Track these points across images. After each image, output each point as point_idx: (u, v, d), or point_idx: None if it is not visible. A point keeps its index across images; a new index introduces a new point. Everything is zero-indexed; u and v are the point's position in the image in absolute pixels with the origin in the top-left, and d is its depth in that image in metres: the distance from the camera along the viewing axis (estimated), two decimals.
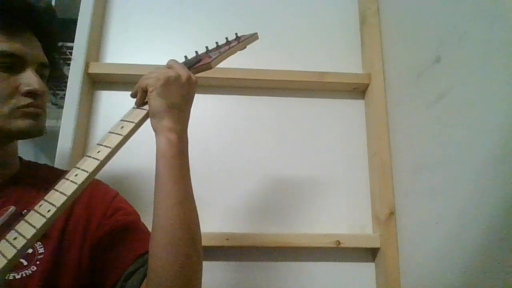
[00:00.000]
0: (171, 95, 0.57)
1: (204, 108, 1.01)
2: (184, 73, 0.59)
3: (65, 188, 0.49)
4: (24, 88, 0.58)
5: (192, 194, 0.58)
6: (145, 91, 0.59)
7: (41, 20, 0.64)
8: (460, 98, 0.71)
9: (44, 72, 0.64)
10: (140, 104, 0.60)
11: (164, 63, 0.95)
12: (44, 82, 0.64)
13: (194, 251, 0.54)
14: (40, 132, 0.62)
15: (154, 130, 0.58)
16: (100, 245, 0.63)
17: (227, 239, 0.89)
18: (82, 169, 0.51)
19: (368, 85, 1.02)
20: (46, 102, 0.64)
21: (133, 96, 0.62)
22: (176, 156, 0.56)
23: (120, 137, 0.55)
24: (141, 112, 0.59)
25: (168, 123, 0.57)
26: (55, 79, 0.74)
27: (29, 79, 0.59)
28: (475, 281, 0.64)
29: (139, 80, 0.60)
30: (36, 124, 0.60)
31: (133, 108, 0.61)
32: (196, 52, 0.68)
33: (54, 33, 0.68)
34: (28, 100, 0.59)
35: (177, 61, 0.63)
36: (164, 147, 0.56)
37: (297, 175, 0.99)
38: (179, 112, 0.59)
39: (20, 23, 0.60)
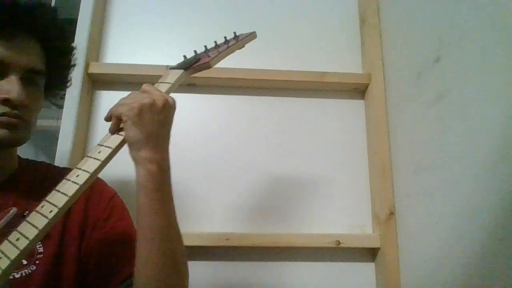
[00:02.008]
0: (147, 124, 0.54)
1: (204, 108, 1.01)
2: (159, 98, 0.55)
3: (67, 189, 0.49)
4: (1, 96, 0.55)
5: (175, 222, 0.56)
6: (119, 119, 0.55)
7: (34, 21, 0.60)
8: (460, 98, 0.71)
9: (36, 79, 0.61)
10: (114, 131, 0.56)
11: (164, 63, 0.96)
12: (38, 89, 0.62)
13: (177, 279, 0.55)
14: (16, 143, 0.59)
15: (133, 161, 0.55)
16: (93, 249, 0.62)
17: (227, 239, 0.89)
18: (83, 170, 0.51)
19: (368, 85, 1.02)
20: (34, 112, 0.61)
21: (106, 120, 0.58)
22: (157, 188, 0.54)
23: (121, 137, 0.55)
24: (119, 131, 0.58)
25: (147, 154, 0.53)
26: (58, 84, 0.71)
27: (9, 86, 0.55)
28: (475, 281, 0.64)
29: (114, 106, 0.56)
30: (10, 134, 0.56)
31: None
32: (195, 51, 0.68)
33: (54, 36, 0.64)
34: (5, 109, 0.55)
35: (151, 85, 0.59)
36: (144, 179, 0.53)
37: (297, 175, 0.99)
38: (158, 140, 0.55)
39: (11, 25, 0.57)
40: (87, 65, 0.96)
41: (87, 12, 1.00)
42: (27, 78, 0.59)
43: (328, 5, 1.12)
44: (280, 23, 1.09)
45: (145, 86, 0.58)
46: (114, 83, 1.01)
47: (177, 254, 0.55)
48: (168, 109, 0.56)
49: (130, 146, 0.54)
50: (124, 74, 0.98)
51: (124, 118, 0.54)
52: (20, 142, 0.60)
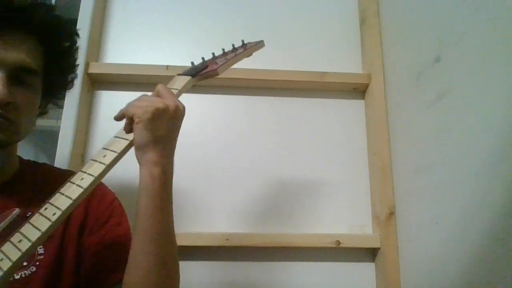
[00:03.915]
0: (158, 129, 0.54)
1: (204, 108, 1.01)
2: (171, 103, 0.55)
3: (71, 192, 0.49)
4: None
5: (172, 227, 0.56)
6: (131, 119, 0.55)
7: (30, 19, 0.58)
8: (460, 98, 0.71)
9: (27, 78, 0.59)
10: (129, 131, 0.57)
11: (164, 63, 0.96)
12: (30, 89, 0.60)
13: (167, 282, 0.54)
14: None
15: (138, 162, 0.55)
16: (87, 251, 0.62)
17: (227, 239, 0.89)
18: (88, 173, 0.51)
19: (368, 85, 1.02)
20: (23, 112, 0.58)
21: (116, 119, 0.58)
22: (158, 191, 0.54)
23: (127, 142, 0.55)
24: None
25: (153, 157, 0.54)
26: (59, 86, 0.70)
27: None
28: (475, 281, 0.64)
29: (126, 106, 0.56)
30: None
31: None
32: (203, 58, 0.68)
33: (51, 35, 0.62)
34: None
35: (166, 88, 0.59)
36: (147, 181, 0.54)
37: (297, 175, 0.99)
38: (165, 144, 0.56)
39: (5, 22, 0.56)
40: (87, 65, 0.96)
41: (87, 12, 1.00)
42: (17, 76, 0.57)
43: (328, 5, 1.12)
44: (280, 23, 1.09)
45: (160, 88, 0.58)
46: (114, 83, 1.01)
47: (169, 258, 0.55)
48: (178, 115, 0.57)
49: (137, 148, 0.55)
50: (124, 74, 0.98)
51: (136, 120, 0.54)
52: (3, 143, 0.57)
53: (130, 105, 0.56)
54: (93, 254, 0.62)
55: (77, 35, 0.69)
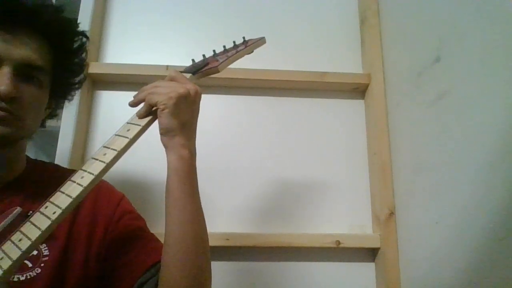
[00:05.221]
0: (183, 113, 0.57)
1: (204, 108, 1.00)
2: (191, 87, 0.58)
3: (71, 190, 0.49)
4: None
5: (201, 205, 0.59)
6: (151, 106, 0.57)
7: (37, 18, 0.59)
8: (460, 98, 0.71)
9: (34, 74, 0.59)
10: (144, 117, 0.58)
11: (164, 63, 0.96)
12: (36, 86, 0.60)
13: (205, 262, 0.57)
14: (3, 138, 0.56)
15: (165, 147, 0.58)
16: (109, 250, 0.63)
17: (227, 239, 0.89)
18: (88, 172, 0.51)
19: (368, 85, 1.02)
20: (29, 108, 0.59)
21: (132, 105, 0.60)
22: (188, 172, 0.57)
23: (127, 140, 0.55)
24: (147, 117, 0.59)
25: (180, 140, 0.57)
26: (65, 86, 0.70)
27: None
28: (475, 281, 0.64)
29: (144, 93, 0.58)
30: None
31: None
32: (204, 55, 0.68)
33: (57, 34, 0.63)
34: None
35: (179, 73, 0.61)
36: (177, 164, 0.56)
37: (297, 175, 0.99)
38: (189, 128, 0.59)
39: (13, 21, 0.57)
40: (87, 65, 0.96)
41: (87, 12, 1.00)
42: (23, 72, 0.58)
43: (328, 5, 1.12)
44: (280, 23, 1.09)
45: (173, 73, 0.61)
46: (114, 83, 1.01)
47: (205, 235, 0.58)
48: (198, 99, 0.60)
49: (164, 133, 0.57)
50: (124, 74, 0.98)
51: (161, 107, 0.56)
52: (8, 137, 0.57)
53: (147, 91, 0.58)
54: (117, 247, 0.63)
55: (86, 36, 0.70)
